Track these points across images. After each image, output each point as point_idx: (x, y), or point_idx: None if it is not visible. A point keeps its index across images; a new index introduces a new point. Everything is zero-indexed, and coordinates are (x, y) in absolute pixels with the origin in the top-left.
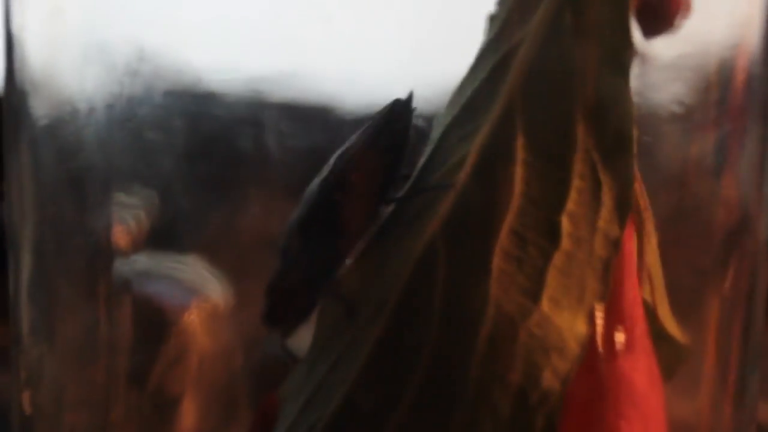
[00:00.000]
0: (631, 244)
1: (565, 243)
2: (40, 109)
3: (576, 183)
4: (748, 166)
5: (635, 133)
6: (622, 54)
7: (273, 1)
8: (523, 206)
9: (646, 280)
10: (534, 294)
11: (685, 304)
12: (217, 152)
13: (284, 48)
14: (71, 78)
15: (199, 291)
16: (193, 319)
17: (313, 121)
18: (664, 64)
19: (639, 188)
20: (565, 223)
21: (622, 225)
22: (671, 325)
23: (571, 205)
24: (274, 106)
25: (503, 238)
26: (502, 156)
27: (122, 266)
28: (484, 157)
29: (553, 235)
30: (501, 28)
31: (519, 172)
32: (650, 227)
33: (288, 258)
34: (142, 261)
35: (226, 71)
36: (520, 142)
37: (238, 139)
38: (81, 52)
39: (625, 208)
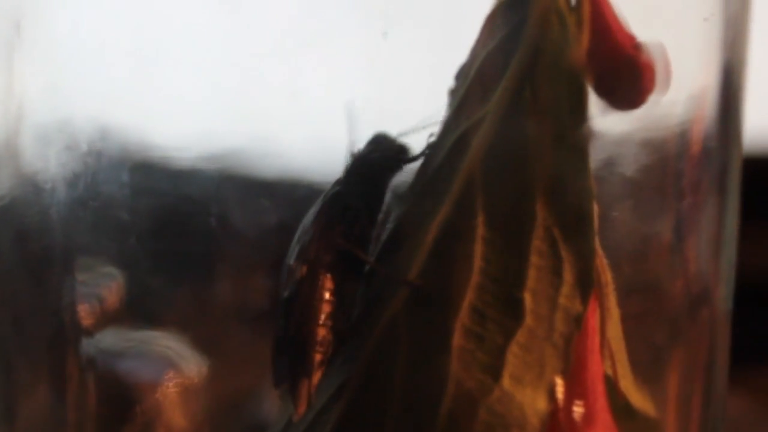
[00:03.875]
0: (594, 320)
1: (528, 319)
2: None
3: (535, 260)
4: (705, 239)
5: (595, 208)
6: (577, 131)
7: (238, 77)
8: (483, 283)
9: (607, 354)
10: (495, 371)
11: (644, 378)
12: (184, 229)
13: (250, 123)
14: (32, 157)
15: (171, 366)
16: (163, 394)
17: (280, 196)
18: (621, 137)
19: (601, 263)
20: (528, 299)
21: (584, 301)
22: (637, 399)
23: (531, 282)
24: (241, 182)
25: (464, 315)
26: (462, 233)
27: (88, 345)
28: (445, 234)
29: (515, 311)
30: (461, 103)
31: (478, 249)
32: (612, 302)
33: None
34: (109, 339)
35: (192, 147)
36: (480, 219)
37: (206, 215)
38: (41, 131)
39: (586, 284)
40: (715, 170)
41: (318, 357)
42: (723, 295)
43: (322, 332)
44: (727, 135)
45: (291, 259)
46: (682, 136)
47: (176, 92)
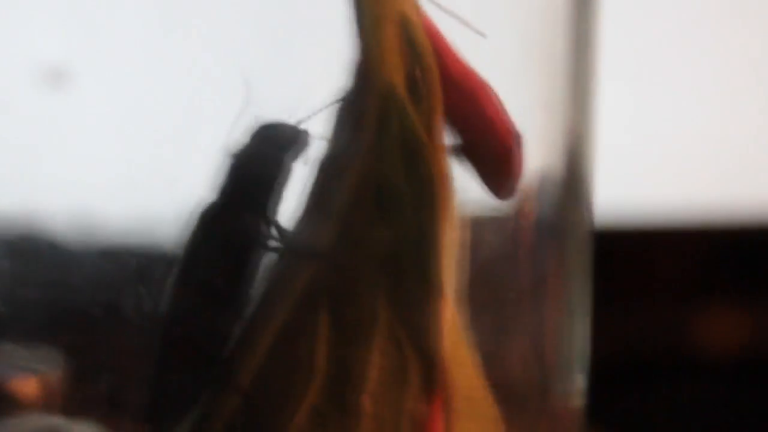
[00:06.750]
0: (438, 423)
1: (367, 424)
2: None
3: (377, 361)
4: (555, 328)
5: (449, 305)
6: (424, 233)
7: (127, 163)
8: (326, 385)
9: None
10: None
11: None
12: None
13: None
14: None
15: None
16: None
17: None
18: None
19: (446, 364)
20: (366, 403)
21: (429, 403)
22: None
23: (371, 384)
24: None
25: (301, 418)
26: (304, 333)
27: None
28: (285, 335)
29: (354, 415)
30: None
31: (321, 350)
32: (460, 403)
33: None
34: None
35: (86, 235)
36: (324, 319)
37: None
38: None
39: (431, 386)
40: (560, 255)
41: None
42: (577, 386)
43: None
44: (571, 219)
45: None
46: (517, 222)
47: (62, 176)
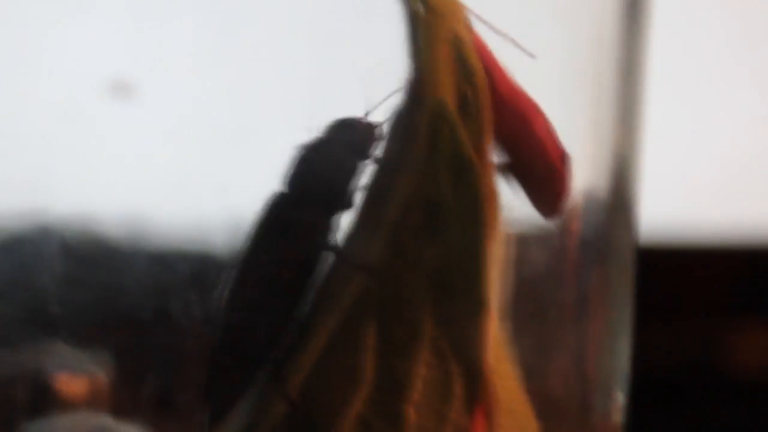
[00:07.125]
0: None
1: None
2: None
3: (422, 372)
4: (598, 345)
5: (489, 322)
6: (474, 247)
7: (179, 168)
8: (372, 395)
9: None
10: None
11: None
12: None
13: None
14: None
15: None
16: None
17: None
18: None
19: (489, 378)
20: (411, 413)
21: (472, 415)
22: None
23: (416, 395)
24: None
25: (348, 426)
26: (353, 343)
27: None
28: (333, 344)
29: (399, 425)
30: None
31: (369, 360)
32: (500, 417)
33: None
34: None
35: (139, 239)
36: (372, 329)
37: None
38: None
39: (474, 398)
40: (604, 274)
41: None
42: (617, 404)
43: None
44: (615, 239)
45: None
46: (562, 240)
47: (115, 181)
